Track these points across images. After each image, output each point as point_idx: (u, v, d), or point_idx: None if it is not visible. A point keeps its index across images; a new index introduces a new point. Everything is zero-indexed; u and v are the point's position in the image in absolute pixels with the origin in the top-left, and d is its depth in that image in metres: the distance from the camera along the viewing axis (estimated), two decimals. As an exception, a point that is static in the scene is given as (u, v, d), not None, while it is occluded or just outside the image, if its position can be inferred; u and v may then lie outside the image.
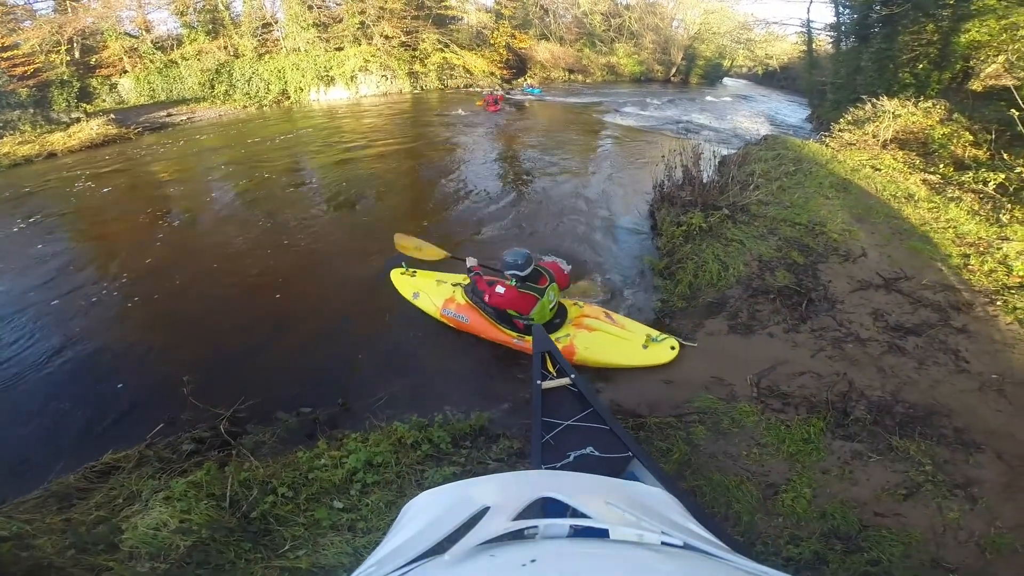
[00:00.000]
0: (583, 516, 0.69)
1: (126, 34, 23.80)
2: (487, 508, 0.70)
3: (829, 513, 2.54)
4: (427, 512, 0.82)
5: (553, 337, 4.05)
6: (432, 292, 4.73)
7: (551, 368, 2.80)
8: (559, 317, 4.24)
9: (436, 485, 0.98)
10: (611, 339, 4.01)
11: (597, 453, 2.25)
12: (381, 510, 2.63)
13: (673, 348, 3.93)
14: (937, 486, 2.63)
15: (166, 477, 3.15)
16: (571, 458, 2.23)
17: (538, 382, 2.63)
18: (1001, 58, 10.03)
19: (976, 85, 11.08)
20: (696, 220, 5.89)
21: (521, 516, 0.68)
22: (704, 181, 7.00)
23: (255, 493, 2.77)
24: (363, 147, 13.48)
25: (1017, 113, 6.22)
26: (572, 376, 2.64)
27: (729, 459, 2.95)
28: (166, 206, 9.77)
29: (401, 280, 5.08)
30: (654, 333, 4.04)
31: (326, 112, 20.14)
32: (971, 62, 10.93)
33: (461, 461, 3.00)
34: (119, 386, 4.77)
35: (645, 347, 3.94)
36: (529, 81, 24.90)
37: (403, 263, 5.20)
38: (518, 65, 26.45)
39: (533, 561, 0.52)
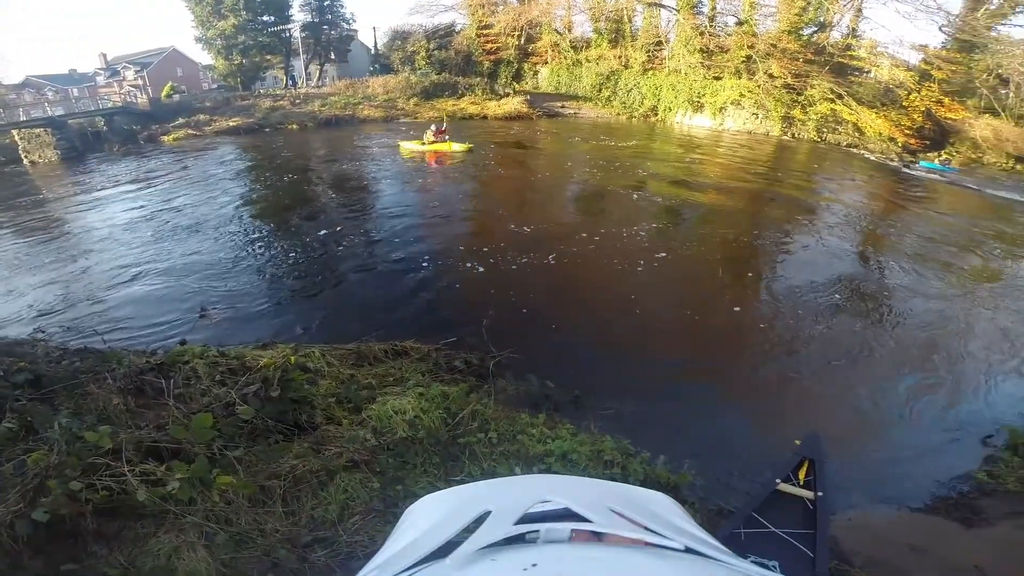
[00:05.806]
0: (585, 520, 0.68)
1: (555, 31, 29.69)
2: (488, 512, 0.70)
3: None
4: (428, 516, 0.83)
5: None
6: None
7: (801, 475, 2.61)
8: None
9: None
10: None
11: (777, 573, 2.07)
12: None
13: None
14: None
15: (429, 379, 3.84)
16: (749, 559, 1.97)
17: (776, 480, 2.48)
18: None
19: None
20: None
21: (522, 521, 0.68)
22: None
23: (475, 426, 3.09)
24: (707, 180, 13.62)
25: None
26: (818, 494, 2.45)
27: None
28: (533, 178, 13.04)
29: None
30: None
31: (684, 137, 20.59)
32: None
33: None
34: (440, 295, 6.52)
35: None
36: (945, 157, 19.32)
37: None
38: (935, 137, 20.71)
39: (534, 565, 0.53)
